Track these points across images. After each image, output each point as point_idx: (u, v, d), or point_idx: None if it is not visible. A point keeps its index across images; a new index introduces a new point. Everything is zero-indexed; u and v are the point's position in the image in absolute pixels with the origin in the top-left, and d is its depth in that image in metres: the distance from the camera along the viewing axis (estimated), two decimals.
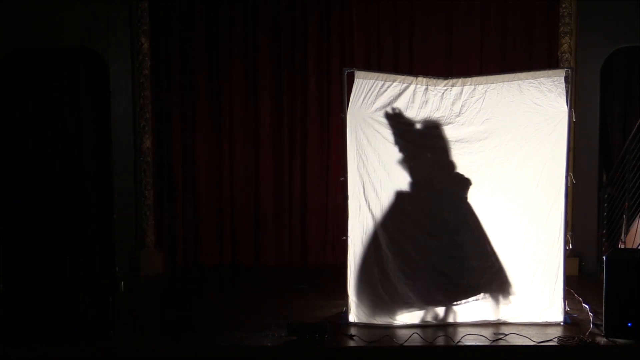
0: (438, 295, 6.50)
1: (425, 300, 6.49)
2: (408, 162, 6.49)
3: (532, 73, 6.54)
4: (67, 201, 8.08)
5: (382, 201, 6.50)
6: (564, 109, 6.38)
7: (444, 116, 6.50)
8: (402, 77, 6.60)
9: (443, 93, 6.51)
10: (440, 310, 6.51)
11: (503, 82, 6.50)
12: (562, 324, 6.44)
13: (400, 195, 6.52)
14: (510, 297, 6.49)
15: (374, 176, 6.49)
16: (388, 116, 6.47)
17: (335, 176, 8.63)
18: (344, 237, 6.55)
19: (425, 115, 6.50)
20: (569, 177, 6.44)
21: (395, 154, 6.48)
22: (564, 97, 6.39)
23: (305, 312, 6.95)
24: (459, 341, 6.04)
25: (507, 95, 6.47)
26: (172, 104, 9.04)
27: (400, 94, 6.50)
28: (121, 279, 6.32)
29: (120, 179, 8.62)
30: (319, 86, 9.04)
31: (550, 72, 6.56)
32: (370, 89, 6.48)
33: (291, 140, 9.11)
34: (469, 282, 6.49)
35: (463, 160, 6.51)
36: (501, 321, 6.47)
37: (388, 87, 6.50)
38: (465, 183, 6.49)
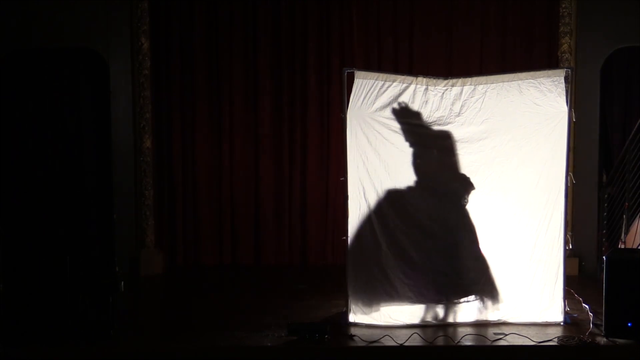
0: (438, 295, 6.49)
1: (425, 300, 6.49)
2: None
3: (532, 73, 6.53)
4: (67, 201, 8.10)
5: (382, 201, 6.50)
6: (564, 109, 6.38)
7: (444, 116, 6.49)
8: (402, 77, 6.59)
9: (443, 93, 6.50)
10: (440, 310, 6.50)
11: (503, 82, 6.49)
12: (562, 324, 6.43)
13: (400, 195, 6.52)
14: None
15: (374, 176, 6.48)
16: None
17: (335, 176, 8.63)
18: (344, 237, 6.54)
19: (426, 115, 6.50)
20: (569, 177, 6.43)
21: (398, 153, 6.46)
22: (564, 97, 6.38)
23: (305, 312, 6.95)
24: (459, 341, 6.04)
25: (507, 95, 6.46)
26: (172, 104, 9.03)
27: (400, 94, 6.48)
28: (121, 279, 6.31)
29: (120, 179, 8.65)
30: (319, 86, 9.04)
31: (550, 72, 6.55)
32: (370, 89, 6.47)
33: (291, 140, 9.11)
34: (467, 281, 6.49)
35: (463, 160, 6.50)
36: (501, 321, 6.46)
37: (388, 87, 6.49)
38: (468, 185, 6.48)
